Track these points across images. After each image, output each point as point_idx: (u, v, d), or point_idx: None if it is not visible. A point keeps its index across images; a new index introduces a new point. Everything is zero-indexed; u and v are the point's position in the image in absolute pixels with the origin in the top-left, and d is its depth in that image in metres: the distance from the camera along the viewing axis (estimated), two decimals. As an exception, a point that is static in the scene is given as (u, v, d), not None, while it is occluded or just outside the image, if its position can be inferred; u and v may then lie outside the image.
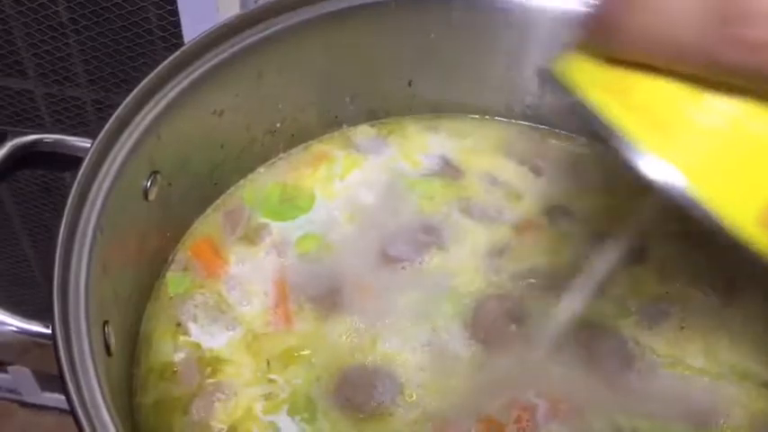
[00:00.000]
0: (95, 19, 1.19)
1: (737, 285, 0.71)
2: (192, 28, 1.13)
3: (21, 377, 1.59)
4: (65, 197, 0.56)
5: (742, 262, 0.70)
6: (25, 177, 1.34)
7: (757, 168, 0.38)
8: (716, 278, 0.71)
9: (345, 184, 0.78)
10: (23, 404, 1.67)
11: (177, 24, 1.16)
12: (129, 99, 0.61)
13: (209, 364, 0.64)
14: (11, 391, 1.66)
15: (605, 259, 0.64)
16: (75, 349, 0.49)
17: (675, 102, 0.38)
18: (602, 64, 0.40)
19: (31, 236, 1.45)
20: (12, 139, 0.59)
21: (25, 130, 0.63)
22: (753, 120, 0.37)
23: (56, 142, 0.62)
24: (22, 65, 1.25)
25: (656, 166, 0.37)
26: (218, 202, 0.75)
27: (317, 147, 0.81)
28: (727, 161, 0.37)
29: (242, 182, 0.77)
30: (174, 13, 1.15)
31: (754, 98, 0.37)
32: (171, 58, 0.62)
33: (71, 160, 0.61)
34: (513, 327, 0.68)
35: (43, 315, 0.52)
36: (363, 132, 0.82)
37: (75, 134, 0.64)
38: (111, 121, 0.60)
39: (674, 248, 0.73)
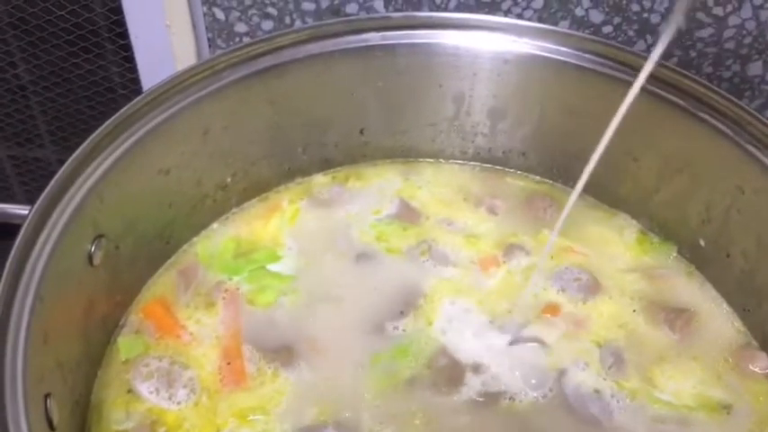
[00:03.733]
0: (55, 80, 1.18)
1: (695, 320, 0.70)
2: (152, 83, 1.13)
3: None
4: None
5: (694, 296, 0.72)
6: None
7: None
8: (675, 315, 0.70)
9: (302, 235, 0.78)
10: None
11: (137, 80, 1.16)
12: (68, 163, 0.60)
13: (162, 429, 0.62)
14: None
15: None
16: (11, 429, 0.47)
17: None
18: None
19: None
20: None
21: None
22: None
23: (-6, 211, 0.60)
24: (-17, 129, 1.24)
25: None
26: (172, 260, 0.74)
27: (272, 199, 0.80)
28: None
29: (195, 239, 0.76)
30: (134, 69, 1.15)
31: None
32: (108, 121, 0.62)
33: (9, 229, 0.59)
34: (474, 378, 0.66)
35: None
36: (318, 181, 0.82)
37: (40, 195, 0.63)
38: (49, 186, 0.59)
39: (630, 282, 0.73)
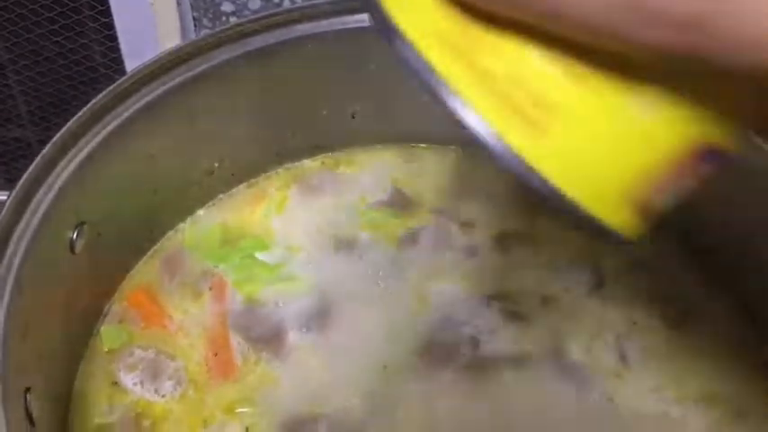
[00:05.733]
0: (35, 58, 1.15)
1: (691, 312, 0.69)
2: (135, 63, 1.11)
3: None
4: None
5: (693, 290, 0.71)
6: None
7: (623, 142, 0.30)
8: (669, 306, 0.69)
9: (291, 222, 0.75)
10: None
11: (120, 60, 1.13)
12: (48, 147, 0.58)
13: (147, 422, 0.61)
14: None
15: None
16: (-13, 426, 0.46)
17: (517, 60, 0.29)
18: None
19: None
20: None
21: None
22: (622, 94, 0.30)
23: (-30, 197, 0.58)
24: (-39, 108, 1.21)
25: (476, 120, 0.29)
26: (156, 247, 0.72)
27: (260, 185, 0.78)
28: (584, 135, 0.30)
29: (181, 225, 0.74)
30: (116, 48, 1.12)
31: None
32: (90, 104, 0.59)
33: (-13, 215, 0.57)
34: (470, 352, 0.66)
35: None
36: (308, 167, 0.79)
37: (19, 177, 0.60)
38: (29, 171, 0.57)
39: (630, 278, 0.72)
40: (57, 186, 0.57)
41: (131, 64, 1.10)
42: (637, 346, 0.67)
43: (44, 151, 0.58)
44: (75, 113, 0.60)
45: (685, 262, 0.73)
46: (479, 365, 0.65)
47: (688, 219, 0.71)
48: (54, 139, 0.59)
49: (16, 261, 0.53)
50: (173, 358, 0.64)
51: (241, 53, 0.67)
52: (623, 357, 0.66)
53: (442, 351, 0.66)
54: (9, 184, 1.30)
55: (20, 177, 0.56)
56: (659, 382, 0.65)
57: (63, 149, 0.59)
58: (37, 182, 0.57)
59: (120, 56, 1.11)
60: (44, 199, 0.56)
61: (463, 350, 0.66)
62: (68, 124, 0.59)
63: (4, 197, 0.60)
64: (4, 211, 0.54)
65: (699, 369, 0.66)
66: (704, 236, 0.71)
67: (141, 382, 0.63)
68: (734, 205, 0.67)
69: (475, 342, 0.66)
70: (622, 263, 0.72)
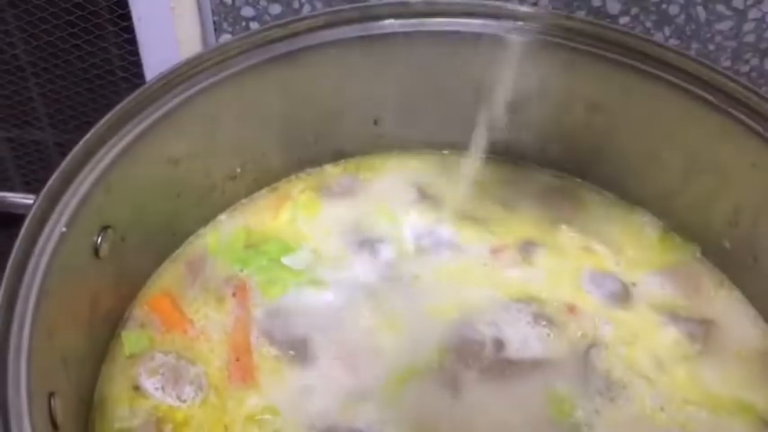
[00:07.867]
0: (55, 61, 1.15)
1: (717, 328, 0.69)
2: (154, 67, 1.11)
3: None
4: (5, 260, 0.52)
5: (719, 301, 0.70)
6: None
7: None
8: (698, 319, 0.69)
9: (312, 226, 0.75)
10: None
11: (139, 64, 1.13)
12: (74, 152, 0.58)
13: (168, 427, 0.60)
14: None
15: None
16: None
17: None
18: None
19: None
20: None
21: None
22: None
23: (-4, 200, 0.58)
24: (-20, 110, 1.22)
25: None
26: (179, 251, 0.72)
27: (281, 190, 0.78)
28: None
29: (203, 230, 0.74)
30: (135, 52, 1.12)
31: None
32: (117, 108, 0.59)
33: (12, 218, 0.57)
34: (495, 354, 0.66)
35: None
36: (329, 172, 0.80)
37: (36, 179, 0.60)
38: (54, 175, 0.57)
39: (651, 282, 0.71)
40: (82, 191, 0.57)
41: (150, 67, 1.10)
42: (666, 356, 0.66)
43: (70, 155, 0.58)
44: (94, 116, 0.60)
45: (711, 272, 0.72)
46: (503, 367, 0.65)
47: (717, 235, 0.71)
48: (80, 143, 0.59)
49: (42, 265, 0.53)
50: (193, 363, 0.64)
51: (265, 58, 0.67)
52: (652, 367, 0.66)
53: (466, 352, 0.66)
54: (27, 186, 1.31)
55: (38, 179, 0.57)
56: (690, 392, 0.64)
57: (87, 155, 0.59)
58: (63, 186, 0.57)
59: (138, 59, 1.11)
60: (69, 203, 0.56)
61: (487, 352, 0.66)
62: (93, 130, 0.60)
63: (24, 199, 0.60)
64: (29, 216, 0.54)
65: (728, 379, 0.65)
66: (735, 251, 0.70)
67: (162, 387, 0.63)
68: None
69: (499, 344, 0.66)
70: (647, 273, 0.71)
